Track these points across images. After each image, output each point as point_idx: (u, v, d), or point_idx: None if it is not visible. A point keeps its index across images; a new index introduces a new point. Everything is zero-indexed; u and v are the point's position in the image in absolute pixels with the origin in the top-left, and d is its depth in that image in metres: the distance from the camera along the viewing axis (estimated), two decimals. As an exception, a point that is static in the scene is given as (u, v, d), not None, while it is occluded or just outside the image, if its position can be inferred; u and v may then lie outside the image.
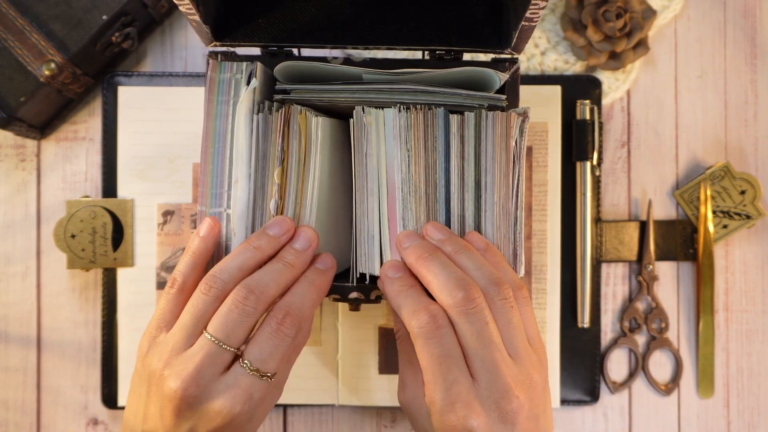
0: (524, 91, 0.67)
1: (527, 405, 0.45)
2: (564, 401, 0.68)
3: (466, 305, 0.44)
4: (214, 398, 0.44)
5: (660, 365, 0.70)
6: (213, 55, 0.53)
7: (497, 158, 0.49)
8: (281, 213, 0.49)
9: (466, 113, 0.50)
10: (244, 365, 0.45)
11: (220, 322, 0.44)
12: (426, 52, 0.56)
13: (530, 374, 0.46)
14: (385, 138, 0.49)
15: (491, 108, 0.50)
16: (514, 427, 0.44)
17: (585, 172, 0.68)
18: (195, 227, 0.66)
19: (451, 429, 0.44)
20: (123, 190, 0.67)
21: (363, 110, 0.49)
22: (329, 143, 0.50)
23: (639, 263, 0.70)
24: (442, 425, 0.44)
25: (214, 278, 0.46)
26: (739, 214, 0.70)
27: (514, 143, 0.50)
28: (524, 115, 0.50)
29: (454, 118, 0.49)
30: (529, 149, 0.68)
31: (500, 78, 0.51)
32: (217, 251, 0.50)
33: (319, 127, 0.49)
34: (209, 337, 0.44)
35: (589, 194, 0.68)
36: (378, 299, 0.53)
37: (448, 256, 0.48)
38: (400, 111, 0.49)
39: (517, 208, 0.50)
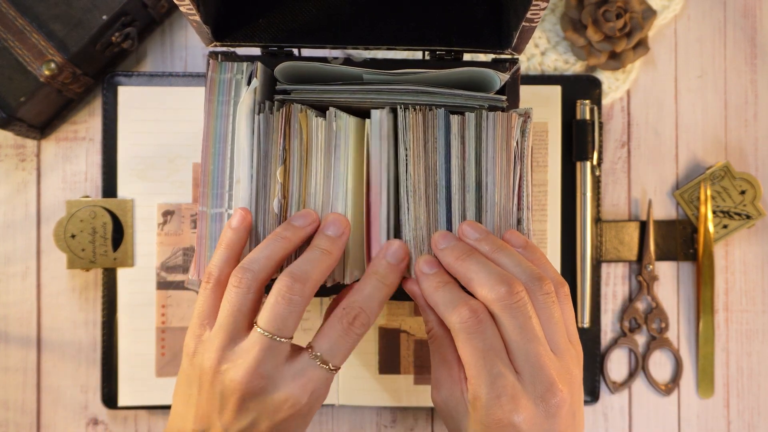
0: (524, 91, 0.67)
1: (569, 399, 0.45)
2: (564, 401, 0.68)
3: (509, 299, 0.44)
4: (281, 387, 0.44)
5: (660, 365, 0.71)
6: (213, 55, 0.53)
7: (498, 159, 0.49)
8: (285, 212, 0.49)
9: (467, 114, 0.49)
10: (315, 357, 0.45)
11: (269, 315, 0.44)
12: (426, 53, 0.56)
13: (570, 369, 0.46)
14: (372, 142, 0.49)
15: (492, 108, 0.50)
16: (556, 421, 0.44)
17: (585, 172, 0.68)
18: (195, 227, 0.66)
19: (497, 423, 0.43)
20: (123, 190, 0.67)
21: (335, 115, 0.49)
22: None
23: (639, 263, 0.70)
24: (488, 419, 0.44)
25: (244, 270, 0.45)
26: (739, 214, 0.70)
27: (515, 143, 0.50)
28: (526, 115, 0.50)
29: (455, 119, 0.49)
30: (529, 149, 0.68)
31: (500, 78, 0.51)
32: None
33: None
34: (261, 331, 0.44)
35: (589, 194, 0.68)
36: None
37: (486, 255, 0.47)
38: (399, 110, 0.49)
39: (521, 209, 0.50)
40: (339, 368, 0.46)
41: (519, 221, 0.50)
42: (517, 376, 0.44)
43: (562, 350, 0.46)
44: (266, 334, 0.44)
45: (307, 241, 0.48)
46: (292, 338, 0.45)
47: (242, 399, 0.44)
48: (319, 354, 0.45)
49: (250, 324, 0.45)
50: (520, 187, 0.50)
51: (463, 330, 0.44)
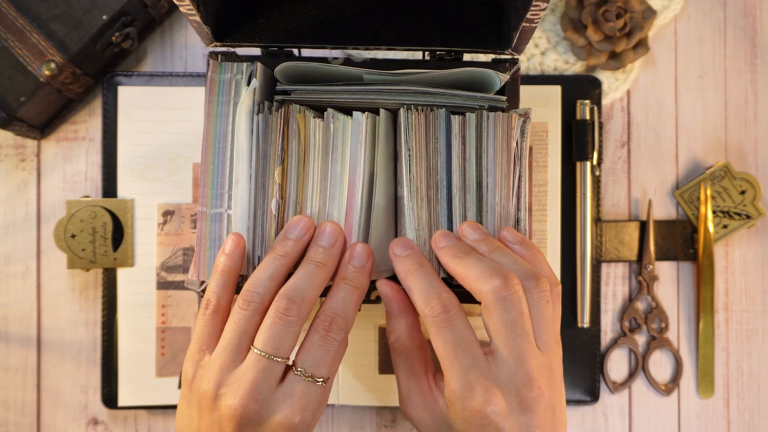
0: (524, 91, 0.67)
1: (547, 394, 0.45)
2: (564, 401, 0.68)
3: (503, 291, 0.44)
4: (274, 412, 0.44)
5: (660, 365, 0.71)
6: (213, 55, 0.53)
7: (498, 159, 0.49)
8: (282, 212, 0.49)
9: (467, 114, 0.49)
10: (299, 372, 0.45)
11: (266, 336, 0.45)
12: (426, 53, 0.56)
13: (553, 366, 0.46)
14: (351, 143, 0.49)
15: (492, 109, 0.50)
16: (533, 415, 0.44)
17: (585, 172, 0.68)
18: (195, 227, 0.66)
19: (474, 415, 0.44)
20: (123, 190, 0.67)
21: (332, 116, 0.49)
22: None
23: (639, 263, 0.70)
24: (464, 412, 0.44)
25: (250, 293, 0.46)
26: (739, 214, 0.70)
27: (515, 144, 0.50)
28: (525, 115, 0.50)
29: (456, 119, 0.49)
30: (529, 149, 0.68)
31: (501, 79, 0.51)
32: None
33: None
34: (258, 352, 0.44)
35: (589, 194, 0.68)
36: (378, 300, 0.52)
37: (483, 255, 0.48)
38: (402, 111, 0.49)
39: (519, 209, 0.50)
40: (327, 379, 0.46)
41: (518, 221, 0.50)
42: (492, 368, 0.44)
43: (548, 347, 0.46)
44: (263, 354, 0.44)
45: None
46: (288, 359, 0.45)
47: (239, 425, 0.44)
48: (302, 369, 0.45)
49: (250, 348, 0.46)
50: (518, 187, 0.50)
51: (434, 324, 0.45)
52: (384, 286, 0.49)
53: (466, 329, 0.45)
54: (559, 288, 0.48)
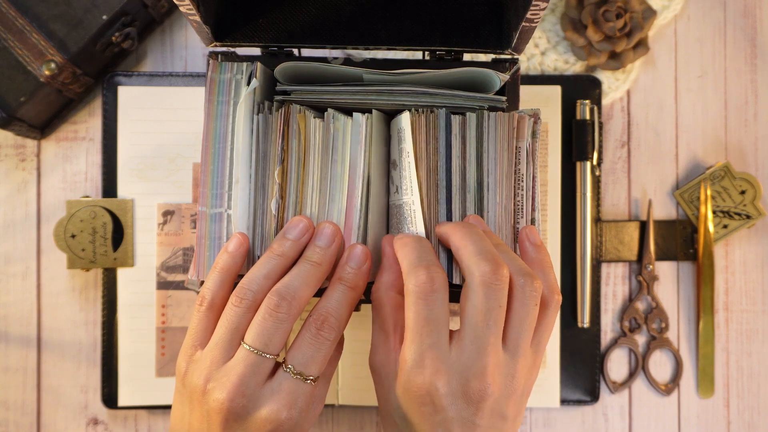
0: (524, 91, 0.67)
1: (496, 396, 0.44)
2: (564, 401, 0.68)
3: (490, 277, 0.44)
4: (261, 406, 0.44)
5: (660, 365, 0.71)
6: (213, 55, 0.53)
7: (500, 159, 0.49)
8: (282, 213, 0.49)
9: (468, 114, 0.49)
10: (288, 370, 0.45)
11: (256, 331, 0.45)
12: (426, 53, 0.56)
13: (515, 372, 0.45)
14: (351, 144, 0.49)
15: (492, 109, 0.50)
16: (476, 411, 0.43)
17: (585, 172, 0.68)
18: (195, 227, 0.66)
19: (416, 391, 0.43)
20: (123, 190, 0.67)
21: (332, 117, 0.49)
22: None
23: (639, 263, 0.70)
24: (409, 384, 0.43)
25: (244, 290, 0.46)
26: (739, 214, 0.70)
27: (526, 145, 0.50)
28: (535, 116, 0.50)
29: (456, 119, 0.49)
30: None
31: (501, 79, 0.51)
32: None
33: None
34: (248, 347, 0.44)
35: (589, 194, 0.68)
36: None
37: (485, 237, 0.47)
38: (405, 112, 0.49)
39: (534, 209, 0.50)
40: (317, 379, 0.46)
41: (533, 221, 0.50)
42: (451, 353, 0.43)
43: (518, 353, 0.45)
44: (252, 349, 0.44)
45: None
46: (278, 356, 0.45)
47: (226, 419, 0.44)
48: (291, 366, 0.45)
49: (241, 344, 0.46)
50: (533, 188, 0.50)
51: (414, 293, 0.44)
52: (385, 241, 0.48)
53: (443, 310, 0.44)
54: (559, 298, 0.47)
